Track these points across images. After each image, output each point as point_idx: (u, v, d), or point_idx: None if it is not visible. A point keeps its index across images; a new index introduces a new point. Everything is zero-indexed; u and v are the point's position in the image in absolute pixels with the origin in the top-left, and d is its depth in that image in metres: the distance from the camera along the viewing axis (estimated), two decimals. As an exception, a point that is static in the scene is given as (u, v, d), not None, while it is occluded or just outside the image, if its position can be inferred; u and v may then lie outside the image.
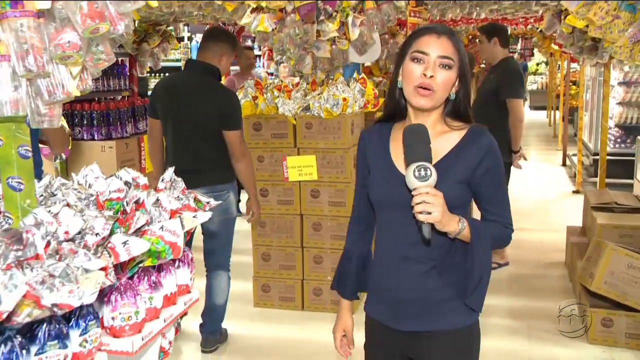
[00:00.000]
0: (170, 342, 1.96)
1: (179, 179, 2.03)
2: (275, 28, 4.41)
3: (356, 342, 2.17)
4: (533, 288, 5.04)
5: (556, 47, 10.38)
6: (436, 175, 1.71)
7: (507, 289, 5.06)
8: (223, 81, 4.04)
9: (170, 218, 1.81)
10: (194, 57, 9.69)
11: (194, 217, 1.88)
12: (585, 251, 4.44)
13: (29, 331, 1.39)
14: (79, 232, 1.54)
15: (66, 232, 1.53)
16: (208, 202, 2.00)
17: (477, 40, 7.58)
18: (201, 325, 3.92)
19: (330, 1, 4.17)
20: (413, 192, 1.73)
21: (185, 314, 2.01)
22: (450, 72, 1.85)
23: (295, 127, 4.33)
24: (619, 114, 8.69)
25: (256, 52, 11.87)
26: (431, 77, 1.82)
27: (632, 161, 7.30)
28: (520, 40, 19.85)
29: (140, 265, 1.71)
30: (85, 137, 5.02)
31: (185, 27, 7.92)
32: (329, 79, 4.70)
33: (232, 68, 6.76)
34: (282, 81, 4.75)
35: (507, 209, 1.96)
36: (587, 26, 4.21)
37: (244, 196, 4.26)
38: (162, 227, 1.71)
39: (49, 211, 1.58)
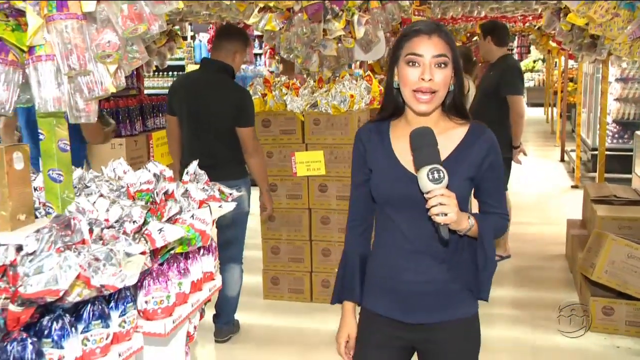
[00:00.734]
0: (195, 327, 2.05)
1: (202, 172, 2.13)
2: (283, 27, 4.52)
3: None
4: (535, 279, 5.15)
5: (554, 45, 10.50)
6: (447, 177, 1.74)
7: (509, 281, 5.17)
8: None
9: (198, 208, 1.91)
10: (196, 56, 9.69)
11: (219, 206, 1.98)
12: (585, 243, 4.55)
13: (75, 311, 1.49)
14: (118, 220, 1.65)
15: (106, 220, 1.63)
16: (231, 194, 2.10)
17: (475, 38, 7.69)
18: (215, 316, 4.03)
19: (336, 1, 4.28)
20: (427, 195, 1.75)
21: (209, 300, 2.10)
22: (447, 70, 1.86)
23: (303, 123, 4.44)
24: (617, 110, 8.81)
25: (257, 50, 11.97)
26: (430, 80, 1.83)
27: (630, 156, 7.43)
28: (517, 37, 19.93)
29: (172, 252, 1.81)
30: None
31: (189, 27, 8.00)
32: (335, 77, 4.80)
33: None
34: (288, 79, 4.85)
35: (504, 201, 2.02)
36: (587, 24, 4.31)
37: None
38: (192, 216, 1.82)
39: (88, 201, 1.68)
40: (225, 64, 3.81)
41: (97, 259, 1.43)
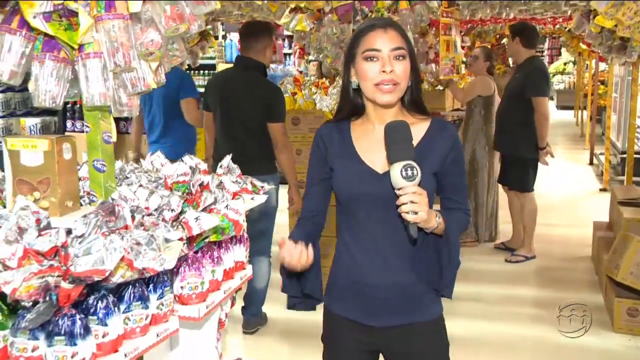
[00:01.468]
0: (226, 314, 2.15)
1: (235, 165, 2.22)
2: (313, 27, 4.62)
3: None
4: (559, 280, 5.17)
5: (584, 47, 10.44)
6: (420, 174, 1.72)
7: (533, 281, 5.20)
8: None
9: (231, 199, 2.01)
10: (227, 55, 9.83)
11: (252, 198, 2.08)
12: (611, 245, 4.57)
13: (117, 293, 1.59)
14: (157, 208, 1.75)
15: (147, 208, 1.73)
16: (262, 187, 2.19)
17: (504, 40, 7.70)
18: (243, 308, 4.15)
19: (366, 2, 4.36)
20: (399, 192, 1.73)
21: (240, 288, 2.19)
22: (405, 62, 1.85)
23: (331, 122, 4.52)
24: (647, 113, 8.73)
25: (286, 50, 12.09)
26: (391, 71, 1.82)
27: (660, 160, 7.38)
28: (548, 39, 19.79)
29: (206, 240, 1.90)
30: (128, 131, 5.26)
31: (220, 26, 8.14)
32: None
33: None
34: (317, 79, 4.95)
35: (466, 196, 2.01)
36: (615, 26, 4.33)
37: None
38: (226, 206, 1.91)
39: (130, 190, 1.79)
40: (257, 61, 3.95)
41: (138, 244, 1.53)
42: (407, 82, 1.88)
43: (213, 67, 10.55)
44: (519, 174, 5.49)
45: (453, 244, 1.88)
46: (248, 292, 4.11)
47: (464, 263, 5.78)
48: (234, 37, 10.95)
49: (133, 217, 1.65)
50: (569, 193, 8.46)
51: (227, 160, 2.22)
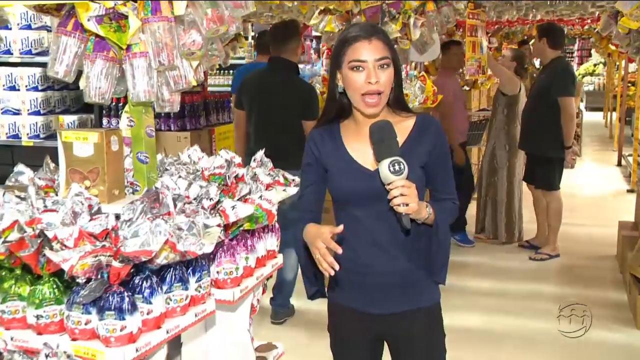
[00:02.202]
0: (258, 300, 2.25)
1: (268, 159, 2.34)
2: (342, 28, 4.73)
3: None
4: (583, 277, 5.20)
5: (614, 48, 10.38)
6: (408, 168, 1.83)
7: (557, 278, 5.24)
8: None
9: (265, 190, 2.13)
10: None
11: (283, 190, 2.20)
12: (636, 244, 4.60)
13: (160, 275, 1.73)
14: (196, 197, 1.88)
15: (187, 197, 1.86)
16: (293, 180, 2.31)
17: (532, 41, 7.72)
18: (272, 299, 4.28)
19: (394, 3, 4.45)
20: (389, 187, 1.83)
21: (271, 275, 2.31)
22: (390, 69, 1.93)
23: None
24: (676, 114, 8.69)
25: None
26: (376, 82, 1.90)
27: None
28: (577, 40, 19.63)
29: (241, 228, 2.02)
30: (162, 128, 5.38)
31: (250, 27, 8.29)
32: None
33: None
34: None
35: (453, 186, 2.10)
36: (641, 27, 4.37)
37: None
38: (260, 197, 2.04)
39: (171, 180, 1.92)
40: (290, 62, 4.16)
41: (180, 229, 1.66)
42: (390, 87, 1.97)
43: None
44: (545, 173, 5.55)
45: (442, 233, 1.98)
46: (277, 283, 4.25)
47: (487, 260, 5.81)
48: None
49: (175, 205, 1.78)
50: (596, 194, 8.45)
51: (260, 154, 2.34)
